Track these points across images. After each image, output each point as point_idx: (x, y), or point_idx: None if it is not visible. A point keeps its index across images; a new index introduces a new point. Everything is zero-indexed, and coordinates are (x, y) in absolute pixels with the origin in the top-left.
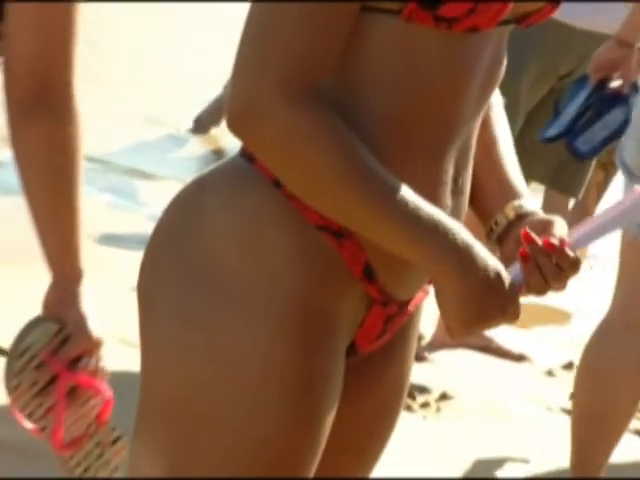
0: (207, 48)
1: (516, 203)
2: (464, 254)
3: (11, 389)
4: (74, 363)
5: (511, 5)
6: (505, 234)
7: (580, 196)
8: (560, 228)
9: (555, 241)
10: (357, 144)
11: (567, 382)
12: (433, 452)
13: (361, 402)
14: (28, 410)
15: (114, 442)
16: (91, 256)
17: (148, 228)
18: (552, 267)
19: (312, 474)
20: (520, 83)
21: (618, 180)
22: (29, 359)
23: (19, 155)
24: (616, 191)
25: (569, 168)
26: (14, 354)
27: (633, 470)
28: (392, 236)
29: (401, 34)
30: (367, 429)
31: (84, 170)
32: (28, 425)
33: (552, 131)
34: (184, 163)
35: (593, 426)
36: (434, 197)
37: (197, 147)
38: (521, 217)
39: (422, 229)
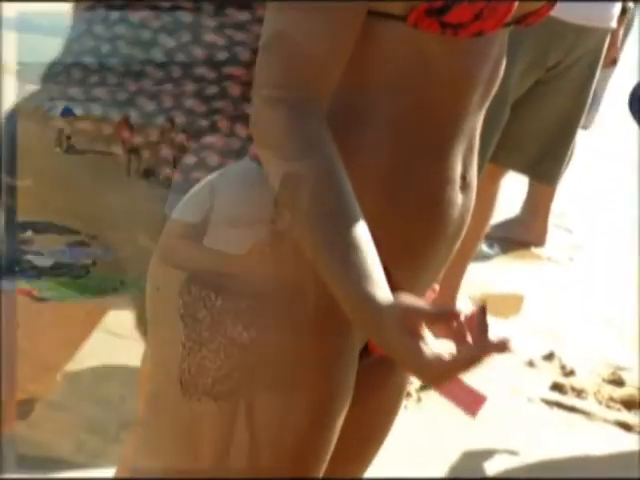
0: None
1: None
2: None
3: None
4: None
5: (515, 8)
6: None
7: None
8: None
9: None
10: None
11: (548, 373)
12: (415, 442)
13: (365, 404)
14: None
15: None
16: None
17: None
18: None
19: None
20: (510, 74)
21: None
22: None
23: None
24: None
25: (548, 158)
26: None
27: (619, 463)
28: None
29: (408, 38)
30: (366, 431)
31: None
32: None
33: None
34: None
35: None
36: (444, 194)
37: None
38: None
39: (353, 273)
